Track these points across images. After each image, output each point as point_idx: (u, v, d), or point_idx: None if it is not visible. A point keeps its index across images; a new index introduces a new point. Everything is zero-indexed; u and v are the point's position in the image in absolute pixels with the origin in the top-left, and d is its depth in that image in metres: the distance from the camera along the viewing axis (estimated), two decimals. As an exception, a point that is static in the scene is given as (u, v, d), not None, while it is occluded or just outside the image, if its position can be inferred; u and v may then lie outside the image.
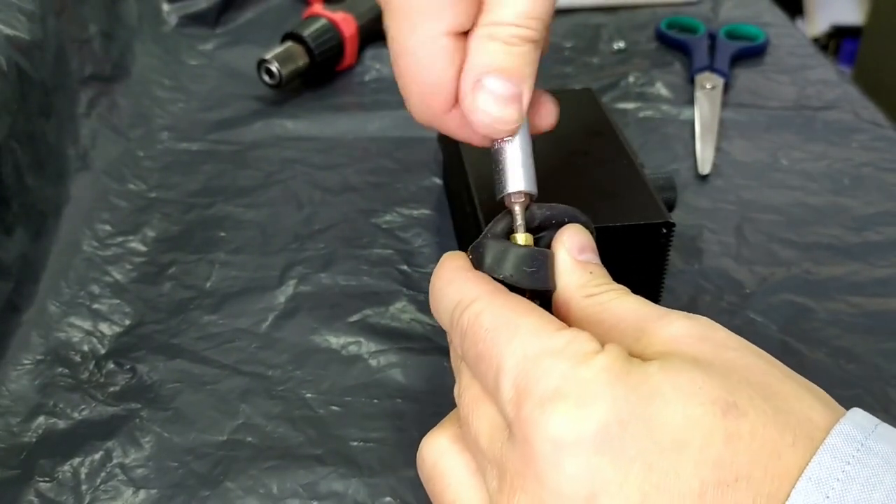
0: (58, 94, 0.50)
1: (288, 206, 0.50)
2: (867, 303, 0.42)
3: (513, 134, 0.27)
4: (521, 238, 0.27)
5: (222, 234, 0.48)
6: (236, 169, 0.54)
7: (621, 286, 0.25)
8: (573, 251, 0.26)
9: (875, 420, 0.19)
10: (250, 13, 0.72)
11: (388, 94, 0.61)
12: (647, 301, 0.24)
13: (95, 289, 0.44)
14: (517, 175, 0.27)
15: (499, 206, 0.28)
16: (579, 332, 0.22)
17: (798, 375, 0.21)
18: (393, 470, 0.34)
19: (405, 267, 0.45)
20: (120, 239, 0.47)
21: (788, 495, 0.18)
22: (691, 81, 0.62)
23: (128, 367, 0.39)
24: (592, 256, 0.27)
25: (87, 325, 0.42)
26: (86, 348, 0.40)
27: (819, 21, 1.57)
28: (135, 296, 0.43)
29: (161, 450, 0.35)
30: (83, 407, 0.37)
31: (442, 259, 0.27)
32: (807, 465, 0.18)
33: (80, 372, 0.39)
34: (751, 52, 0.66)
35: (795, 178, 0.52)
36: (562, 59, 0.67)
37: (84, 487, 0.34)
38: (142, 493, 0.34)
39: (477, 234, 0.28)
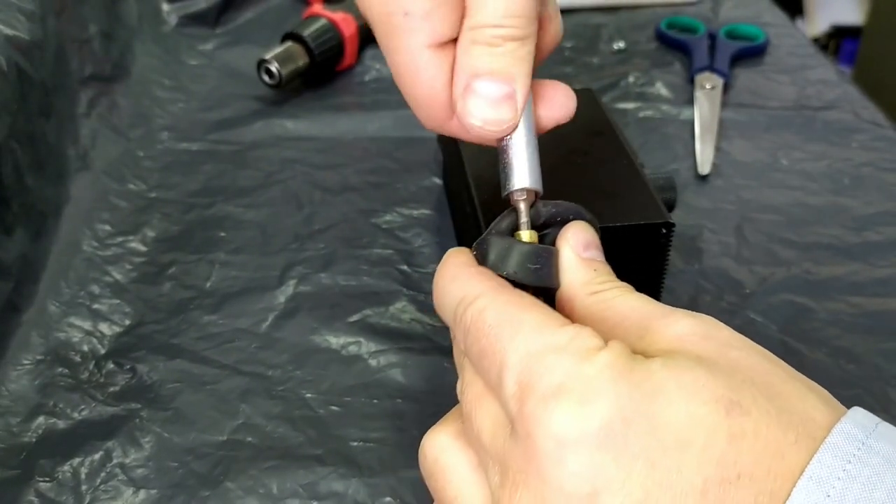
0: (58, 94, 0.50)
1: (288, 206, 0.50)
2: (867, 303, 0.42)
3: (510, 132, 0.27)
4: (526, 235, 0.27)
5: (222, 234, 0.48)
6: (236, 169, 0.54)
7: (625, 284, 0.25)
8: (578, 248, 0.26)
9: (876, 419, 0.19)
10: (250, 13, 0.72)
11: (388, 94, 0.62)
12: (650, 299, 0.24)
13: (95, 289, 0.44)
14: (522, 172, 0.27)
15: (499, 206, 0.28)
16: (582, 329, 0.22)
17: (801, 375, 0.21)
18: (393, 470, 0.34)
19: (405, 267, 0.45)
20: (120, 239, 0.47)
21: (790, 494, 0.18)
22: (691, 81, 0.62)
23: (128, 367, 0.39)
24: (597, 254, 0.27)
25: (87, 325, 0.42)
26: (86, 348, 0.40)
27: (819, 21, 1.57)
28: (135, 296, 0.43)
29: (161, 450, 0.35)
30: (83, 407, 0.37)
31: (446, 255, 0.27)
32: (807, 463, 0.18)
33: (80, 372, 0.39)
34: (751, 52, 0.66)
35: (795, 178, 0.52)
36: (562, 59, 0.67)
37: (84, 487, 0.34)
38: (142, 493, 0.34)
39: (477, 234, 0.28)
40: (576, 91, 0.30)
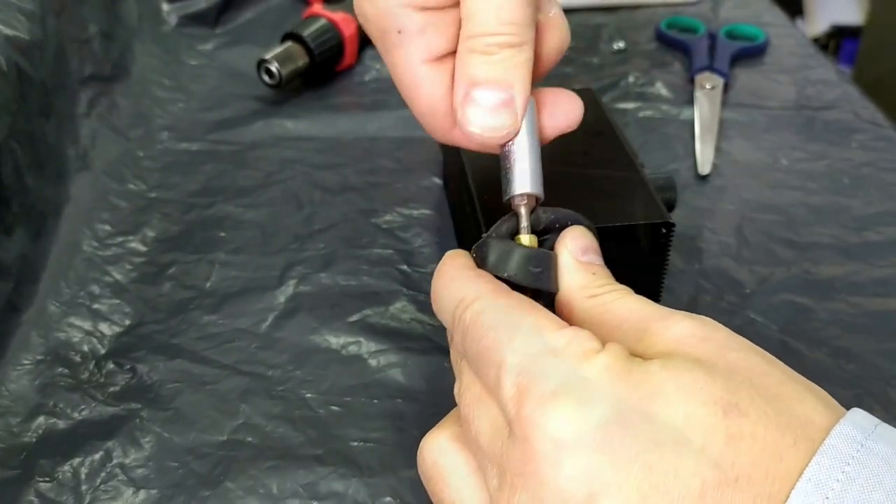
0: (58, 94, 0.50)
1: (288, 206, 0.50)
2: (867, 303, 0.42)
3: (511, 139, 0.27)
4: (526, 239, 0.27)
5: (222, 234, 0.48)
6: (236, 169, 0.54)
7: (624, 287, 0.25)
8: (576, 252, 0.26)
9: (875, 420, 0.19)
10: (250, 13, 0.72)
11: (388, 94, 0.61)
12: (649, 301, 0.24)
13: (95, 289, 0.44)
14: (524, 177, 0.27)
15: (499, 206, 0.28)
16: (580, 331, 0.22)
17: (799, 376, 0.21)
18: (393, 470, 0.34)
19: (405, 267, 0.45)
20: (120, 239, 0.47)
21: (789, 496, 0.18)
22: (691, 81, 0.62)
23: (128, 367, 0.39)
24: (595, 258, 0.27)
25: (87, 325, 0.42)
26: (86, 348, 0.40)
27: (819, 21, 1.57)
28: (135, 296, 0.43)
29: (161, 450, 0.35)
30: (83, 407, 0.37)
31: (444, 257, 0.27)
32: (805, 465, 0.18)
33: (80, 372, 0.39)
34: (751, 52, 0.66)
35: (795, 178, 0.52)
36: (562, 59, 0.67)
37: (84, 487, 0.34)
38: (142, 493, 0.34)
39: (477, 235, 0.28)
40: (576, 91, 0.30)
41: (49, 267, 0.44)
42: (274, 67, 0.59)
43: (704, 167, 0.53)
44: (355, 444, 0.36)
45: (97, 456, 0.35)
